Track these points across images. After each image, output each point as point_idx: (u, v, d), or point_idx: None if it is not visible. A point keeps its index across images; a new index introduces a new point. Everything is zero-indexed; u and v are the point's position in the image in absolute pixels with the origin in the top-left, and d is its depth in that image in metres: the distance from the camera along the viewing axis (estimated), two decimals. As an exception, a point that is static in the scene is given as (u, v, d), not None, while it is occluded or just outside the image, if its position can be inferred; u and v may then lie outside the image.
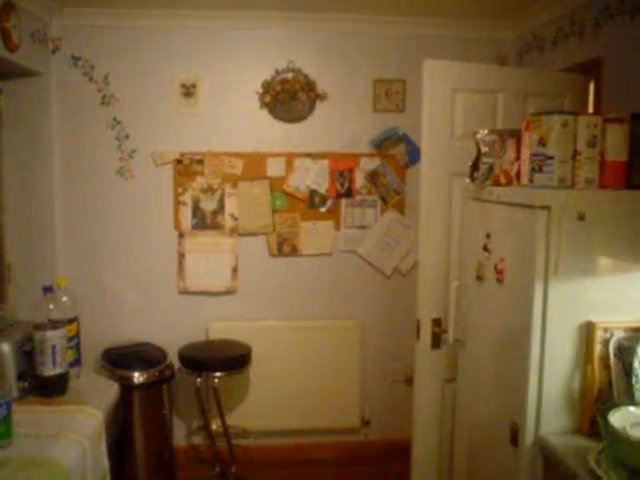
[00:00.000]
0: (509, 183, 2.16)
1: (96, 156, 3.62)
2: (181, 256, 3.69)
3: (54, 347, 2.25)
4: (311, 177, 3.72)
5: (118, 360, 3.38)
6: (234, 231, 3.71)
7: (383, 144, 3.72)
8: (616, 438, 1.69)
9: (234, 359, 3.46)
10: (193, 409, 3.68)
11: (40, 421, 2.07)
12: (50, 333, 2.24)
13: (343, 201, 3.76)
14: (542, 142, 1.99)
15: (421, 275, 2.76)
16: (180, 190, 3.66)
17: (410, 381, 3.22)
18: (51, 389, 2.28)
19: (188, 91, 3.60)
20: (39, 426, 2.03)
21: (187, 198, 3.66)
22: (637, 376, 1.92)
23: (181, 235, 3.69)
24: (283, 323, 3.79)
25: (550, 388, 1.97)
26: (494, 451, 2.24)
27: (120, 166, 3.63)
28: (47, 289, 2.38)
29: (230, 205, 3.69)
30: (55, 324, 2.29)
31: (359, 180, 3.76)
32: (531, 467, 2.00)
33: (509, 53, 3.77)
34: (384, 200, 3.78)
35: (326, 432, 3.90)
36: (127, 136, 3.62)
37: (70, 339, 2.44)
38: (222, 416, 3.53)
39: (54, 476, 1.75)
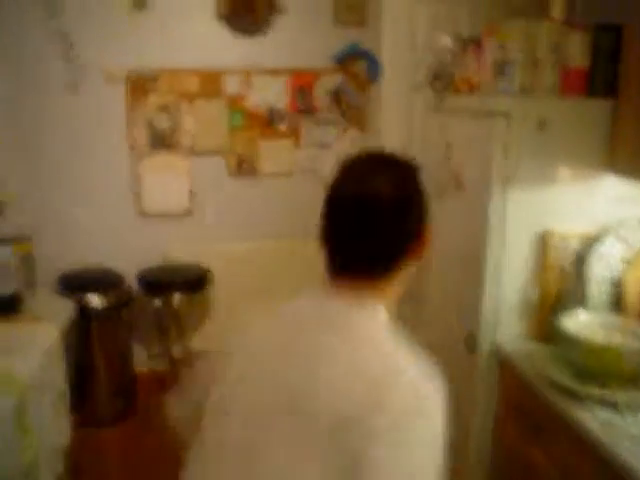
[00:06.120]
0: (470, 91, 2.12)
1: (42, 71, 3.41)
2: (138, 177, 3.57)
3: (5, 265, 2.19)
4: (270, 94, 3.60)
5: (75, 284, 3.30)
6: (191, 151, 3.60)
7: (345, 60, 3.61)
8: (568, 340, 1.74)
9: (193, 280, 3.43)
10: (153, 334, 3.66)
11: (-7, 338, 2.04)
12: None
13: (303, 119, 3.67)
14: (503, 47, 1.95)
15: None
16: (134, 108, 3.51)
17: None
18: (3, 307, 2.23)
19: (140, 1, 3.40)
20: (-8, 342, 2.00)
21: (141, 116, 3.52)
22: (590, 283, 1.95)
23: (137, 155, 3.56)
24: (244, 244, 3.73)
25: (506, 296, 2.00)
26: (452, 359, 2.28)
27: (68, 82, 3.45)
28: (-5, 204, 2.30)
29: (187, 124, 3.56)
30: (5, 241, 2.22)
31: (320, 97, 3.65)
32: (487, 371, 2.05)
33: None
34: (345, 117, 3.69)
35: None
36: (74, 50, 3.41)
37: (23, 259, 2.38)
38: (183, 339, 3.52)
39: (11, 388, 1.72)
